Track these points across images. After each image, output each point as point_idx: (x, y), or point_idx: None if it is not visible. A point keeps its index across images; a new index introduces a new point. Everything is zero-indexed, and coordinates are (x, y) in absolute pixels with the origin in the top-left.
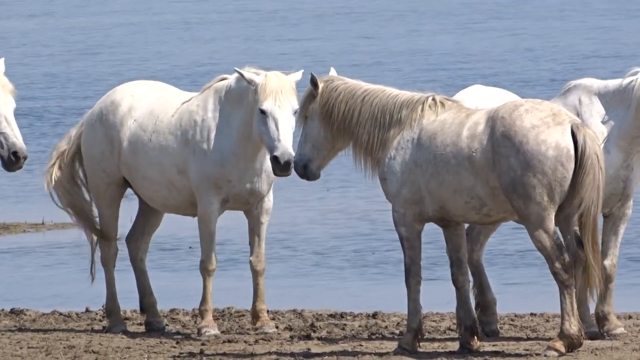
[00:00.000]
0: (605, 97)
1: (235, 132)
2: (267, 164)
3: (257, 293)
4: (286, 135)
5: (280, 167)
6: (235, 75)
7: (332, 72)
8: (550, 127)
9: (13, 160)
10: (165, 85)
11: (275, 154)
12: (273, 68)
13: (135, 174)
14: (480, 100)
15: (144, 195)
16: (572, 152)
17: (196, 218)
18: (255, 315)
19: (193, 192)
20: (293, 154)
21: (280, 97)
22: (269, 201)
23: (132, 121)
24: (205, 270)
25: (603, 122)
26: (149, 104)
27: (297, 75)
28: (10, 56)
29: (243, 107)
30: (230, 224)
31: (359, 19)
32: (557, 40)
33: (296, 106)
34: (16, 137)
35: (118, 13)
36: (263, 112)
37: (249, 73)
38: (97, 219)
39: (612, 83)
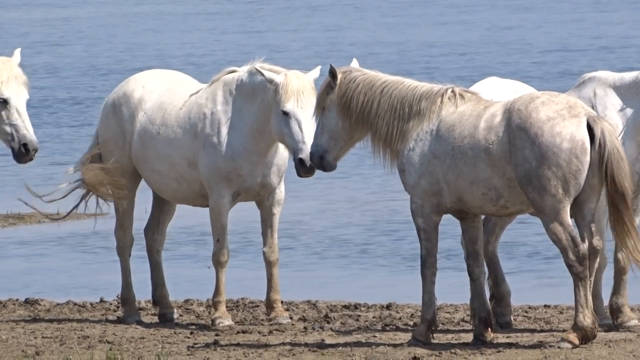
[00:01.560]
0: (621, 90)
1: (247, 127)
2: (279, 157)
3: (271, 283)
4: (310, 137)
5: (306, 169)
6: (247, 68)
7: (354, 64)
8: (566, 119)
9: (23, 152)
10: (178, 74)
11: (301, 156)
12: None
13: (144, 166)
14: (496, 93)
15: (153, 187)
16: (588, 144)
17: (207, 209)
18: (269, 305)
19: (203, 184)
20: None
21: (302, 98)
22: (281, 192)
23: (142, 114)
24: (217, 262)
25: (618, 115)
26: (158, 95)
27: (315, 73)
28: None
29: (257, 103)
30: (245, 215)
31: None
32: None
33: None
34: (27, 129)
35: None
36: (286, 113)
37: (269, 72)
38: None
39: (629, 75)
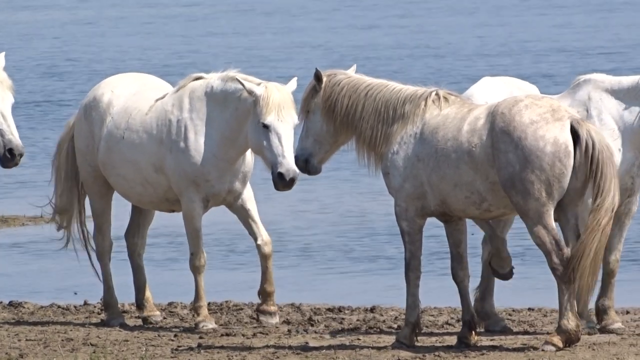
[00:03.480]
0: (619, 94)
1: (217, 134)
2: (245, 164)
3: (266, 276)
4: (289, 151)
5: (285, 183)
6: (219, 75)
7: (353, 69)
8: (549, 122)
9: (9, 157)
10: (149, 77)
11: (280, 170)
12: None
13: (110, 171)
14: (492, 94)
15: (119, 191)
16: (571, 148)
17: (173, 213)
18: (265, 295)
19: (168, 189)
20: (297, 170)
21: (283, 111)
22: (248, 191)
23: (110, 118)
24: (194, 267)
25: (614, 119)
26: (125, 99)
27: (293, 85)
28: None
29: (229, 111)
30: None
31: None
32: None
33: (297, 120)
34: (12, 134)
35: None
36: (266, 126)
37: (249, 83)
38: (81, 226)
39: (627, 79)
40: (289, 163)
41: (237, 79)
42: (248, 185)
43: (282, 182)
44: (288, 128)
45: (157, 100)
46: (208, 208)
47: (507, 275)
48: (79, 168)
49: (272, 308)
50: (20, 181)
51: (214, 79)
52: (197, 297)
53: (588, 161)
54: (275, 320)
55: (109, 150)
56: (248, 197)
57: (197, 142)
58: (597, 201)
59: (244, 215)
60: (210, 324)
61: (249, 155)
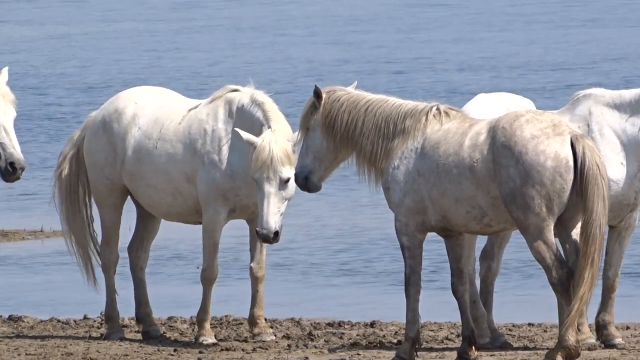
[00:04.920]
0: (620, 107)
1: (247, 150)
2: None
3: (255, 300)
4: (271, 210)
5: (264, 238)
6: (250, 92)
7: (353, 86)
8: (550, 137)
9: (10, 171)
10: (167, 90)
11: (257, 227)
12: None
13: (139, 182)
14: (487, 110)
15: (146, 203)
16: (572, 163)
17: (197, 226)
18: (252, 322)
19: (198, 200)
20: (274, 229)
21: (270, 170)
22: None
23: (137, 129)
24: (206, 279)
25: (617, 133)
26: (152, 111)
27: (294, 136)
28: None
29: (254, 131)
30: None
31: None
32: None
33: (286, 175)
34: (14, 148)
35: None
36: (255, 180)
37: (247, 135)
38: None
39: (629, 93)
40: (267, 224)
41: (237, 131)
42: None
43: (260, 239)
44: (274, 186)
45: (190, 110)
46: (230, 219)
47: (483, 346)
48: (93, 181)
49: (268, 330)
50: (22, 194)
51: (246, 96)
52: (203, 309)
53: (578, 179)
54: (271, 335)
55: (138, 161)
56: None
57: (230, 156)
58: (583, 218)
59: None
60: (211, 339)
61: None
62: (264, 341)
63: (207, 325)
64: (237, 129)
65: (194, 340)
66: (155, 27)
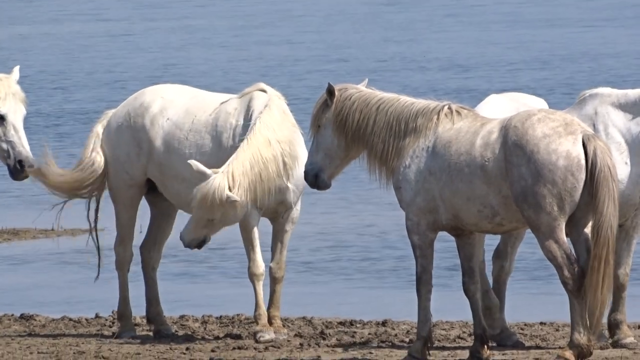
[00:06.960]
0: (626, 107)
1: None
2: (297, 177)
3: (272, 300)
4: (191, 224)
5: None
6: (275, 95)
7: (364, 84)
8: (562, 136)
9: (19, 169)
10: (190, 87)
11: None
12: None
13: (167, 172)
14: (499, 111)
15: (171, 194)
16: (583, 162)
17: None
18: (269, 318)
19: None
20: (186, 245)
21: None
22: (297, 210)
23: (166, 120)
24: (253, 275)
25: (622, 132)
26: (183, 103)
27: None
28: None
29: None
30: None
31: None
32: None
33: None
34: (23, 146)
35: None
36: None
37: (197, 165)
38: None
39: (634, 93)
40: (183, 236)
41: (190, 162)
42: (299, 204)
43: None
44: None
45: (222, 103)
46: (260, 216)
47: (495, 337)
48: (112, 176)
49: (282, 330)
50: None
51: (272, 96)
52: (257, 305)
53: (589, 179)
54: (284, 335)
55: (168, 152)
56: (293, 217)
57: None
58: (594, 220)
59: (278, 233)
60: (268, 335)
61: (301, 169)
62: (276, 340)
63: (264, 320)
64: (190, 161)
65: (252, 335)
66: (155, 26)
